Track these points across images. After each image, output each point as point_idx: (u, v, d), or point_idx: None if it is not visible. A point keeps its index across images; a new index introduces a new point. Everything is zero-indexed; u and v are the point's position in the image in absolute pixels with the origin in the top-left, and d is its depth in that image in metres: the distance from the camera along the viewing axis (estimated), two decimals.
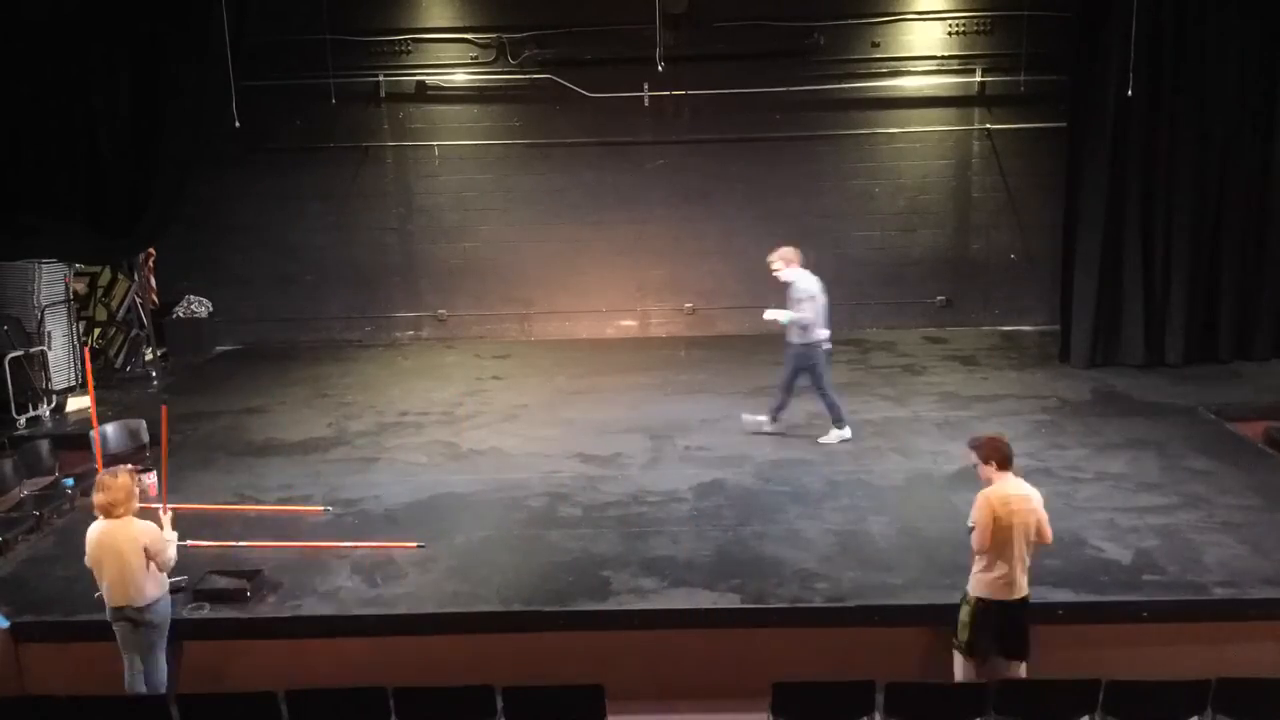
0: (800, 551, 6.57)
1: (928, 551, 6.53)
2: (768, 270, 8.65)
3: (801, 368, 8.64)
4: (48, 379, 10.46)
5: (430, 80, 12.77)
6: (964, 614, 5.43)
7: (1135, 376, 10.51)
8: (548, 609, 6.00)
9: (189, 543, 6.37)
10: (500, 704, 5.00)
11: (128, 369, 12.02)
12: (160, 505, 5.79)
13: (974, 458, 5.49)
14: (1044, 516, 5.36)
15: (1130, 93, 9.91)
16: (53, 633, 5.98)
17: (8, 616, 5.96)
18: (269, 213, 12.97)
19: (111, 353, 12.12)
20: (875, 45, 12.48)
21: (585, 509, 7.39)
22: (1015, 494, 5.33)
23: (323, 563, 6.59)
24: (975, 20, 12.37)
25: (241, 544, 6.86)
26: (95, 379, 11.31)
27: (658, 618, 5.96)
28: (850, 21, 12.37)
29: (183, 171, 10.45)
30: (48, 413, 10.15)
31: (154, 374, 11.88)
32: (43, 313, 10.62)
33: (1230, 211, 10.71)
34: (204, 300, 13.13)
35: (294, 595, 6.18)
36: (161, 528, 5.54)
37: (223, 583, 6.16)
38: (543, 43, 12.48)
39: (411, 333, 13.46)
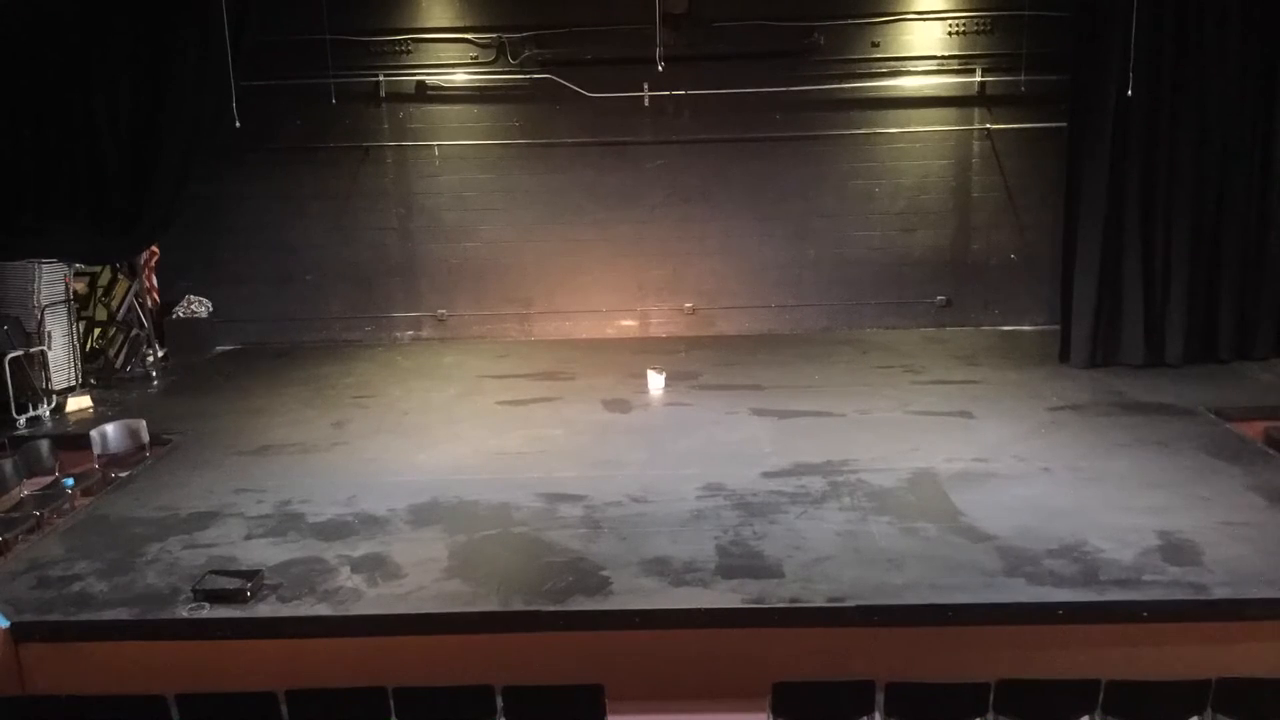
0: (800, 551, 6.56)
1: (928, 551, 6.52)
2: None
3: None
4: (48, 379, 10.45)
5: (430, 80, 12.78)
6: None
7: (1135, 376, 10.50)
8: (548, 609, 5.98)
9: None
10: (500, 704, 4.99)
11: (128, 369, 12.02)
12: None
13: None
14: None
15: (1130, 93, 9.91)
16: (53, 633, 5.96)
17: (8, 616, 5.95)
18: (269, 213, 13.00)
19: (111, 353, 12.11)
20: (875, 45, 12.49)
21: (585, 509, 7.38)
22: None
23: (323, 562, 6.59)
24: (975, 20, 12.38)
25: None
26: (95, 379, 11.43)
27: (658, 618, 5.94)
28: (850, 21, 12.38)
29: (183, 172, 10.45)
30: (48, 413, 10.14)
31: (154, 374, 11.89)
32: (43, 313, 10.61)
33: (1230, 211, 10.70)
34: (204, 300, 13.13)
35: (294, 595, 6.17)
36: None
37: (223, 583, 6.15)
38: (543, 43, 12.48)
39: (411, 333, 13.47)
